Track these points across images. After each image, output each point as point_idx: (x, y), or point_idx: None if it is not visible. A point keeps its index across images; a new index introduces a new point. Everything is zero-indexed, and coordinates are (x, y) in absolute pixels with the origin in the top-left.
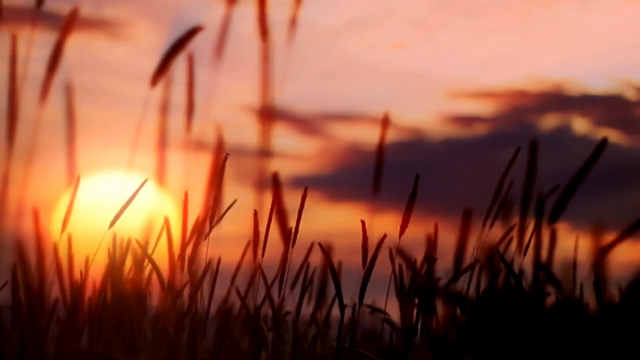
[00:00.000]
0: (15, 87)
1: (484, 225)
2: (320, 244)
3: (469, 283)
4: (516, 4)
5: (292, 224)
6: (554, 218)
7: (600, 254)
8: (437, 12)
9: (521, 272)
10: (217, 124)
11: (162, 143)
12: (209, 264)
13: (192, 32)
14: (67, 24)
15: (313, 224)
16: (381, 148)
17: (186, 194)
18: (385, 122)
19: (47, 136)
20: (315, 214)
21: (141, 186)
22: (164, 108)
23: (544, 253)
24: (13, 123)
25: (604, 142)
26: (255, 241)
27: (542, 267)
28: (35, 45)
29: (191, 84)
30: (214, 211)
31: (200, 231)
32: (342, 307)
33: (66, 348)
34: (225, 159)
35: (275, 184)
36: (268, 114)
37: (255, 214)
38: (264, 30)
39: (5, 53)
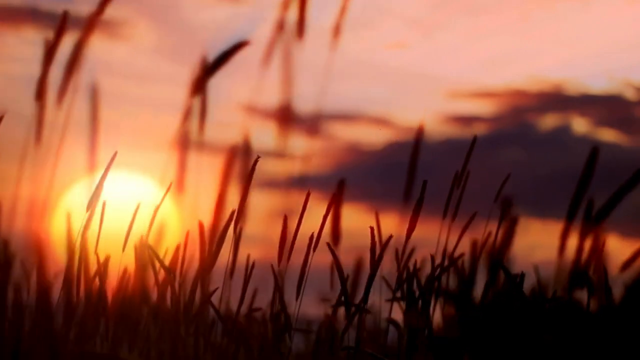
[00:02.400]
0: (44, 88)
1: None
2: (329, 245)
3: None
4: (516, 4)
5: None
6: (597, 222)
7: (628, 262)
8: (437, 12)
9: (522, 274)
10: (246, 129)
11: (183, 146)
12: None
13: (238, 47)
14: (89, 25)
15: (313, 224)
16: (415, 155)
17: (217, 200)
18: (419, 131)
19: (47, 136)
20: (315, 214)
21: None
22: (187, 113)
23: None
24: (40, 125)
25: None
26: (282, 243)
27: (580, 271)
28: (34, 44)
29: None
30: (240, 213)
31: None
32: (364, 307)
33: (73, 349)
34: (256, 162)
35: (339, 188)
36: (287, 117)
37: (285, 217)
38: (301, 31)
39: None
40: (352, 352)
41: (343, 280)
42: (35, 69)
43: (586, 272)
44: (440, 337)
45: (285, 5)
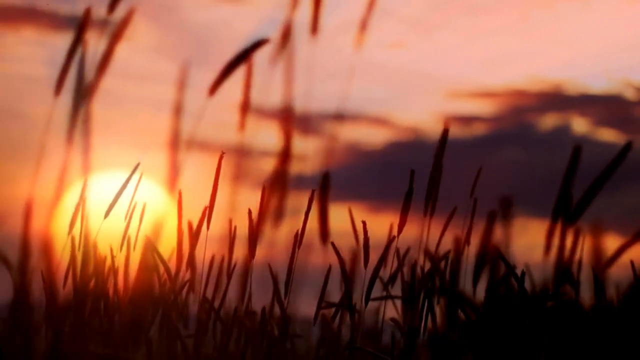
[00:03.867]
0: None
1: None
2: (333, 244)
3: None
4: (516, 4)
5: (294, 224)
6: (573, 219)
7: (610, 259)
8: (437, 12)
9: (523, 273)
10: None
11: (175, 145)
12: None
13: (257, 45)
14: (120, 28)
15: (312, 224)
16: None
17: (180, 193)
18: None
19: (48, 135)
20: (314, 214)
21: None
22: (178, 110)
23: (566, 254)
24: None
25: (628, 145)
26: (251, 240)
27: (563, 269)
28: (36, 44)
29: (248, 84)
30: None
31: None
32: (352, 307)
33: (73, 349)
34: (221, 158)
35: (324, 184)
36: (288, 116)
37: (250, 212)
38: (315, 27)
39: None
40: (350, 350)
41: (326, 280)
42: (35, 69)
43: (569, 269)
44: (439, 336)
45: (294, 5)
